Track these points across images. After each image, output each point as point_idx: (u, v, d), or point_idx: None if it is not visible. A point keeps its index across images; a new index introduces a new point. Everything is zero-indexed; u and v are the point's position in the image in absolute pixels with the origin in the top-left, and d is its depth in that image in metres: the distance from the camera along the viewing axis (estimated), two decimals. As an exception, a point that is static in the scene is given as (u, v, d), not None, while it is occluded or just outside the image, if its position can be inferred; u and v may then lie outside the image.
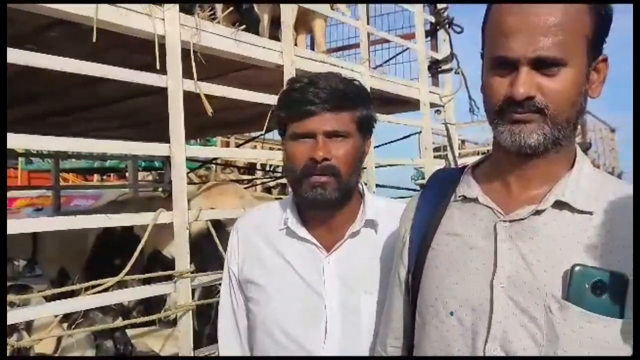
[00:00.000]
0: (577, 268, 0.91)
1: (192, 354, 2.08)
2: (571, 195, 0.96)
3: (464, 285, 1.00)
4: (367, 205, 1.42)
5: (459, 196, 1.08)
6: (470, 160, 1.32)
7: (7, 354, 1.73)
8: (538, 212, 0.97)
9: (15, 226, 1.70)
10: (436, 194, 1.14)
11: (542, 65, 0.92)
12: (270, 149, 6.80)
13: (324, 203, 1.34)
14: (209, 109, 2.20)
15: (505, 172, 1.03)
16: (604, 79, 0.99)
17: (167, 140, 2.10)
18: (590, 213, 0.95)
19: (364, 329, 1.34)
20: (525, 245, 0.96)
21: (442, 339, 1.02)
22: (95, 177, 11.22)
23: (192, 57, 2.17)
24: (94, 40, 1.85)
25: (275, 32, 3.00)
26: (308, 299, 1.36)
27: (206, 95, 2.23)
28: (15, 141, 1.70)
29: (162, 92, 2.10)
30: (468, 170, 1.12)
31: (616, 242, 0.92)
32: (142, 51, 2.19)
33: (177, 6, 2.14)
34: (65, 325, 2.33)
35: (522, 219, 0.98)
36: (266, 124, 2.41)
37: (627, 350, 0.89)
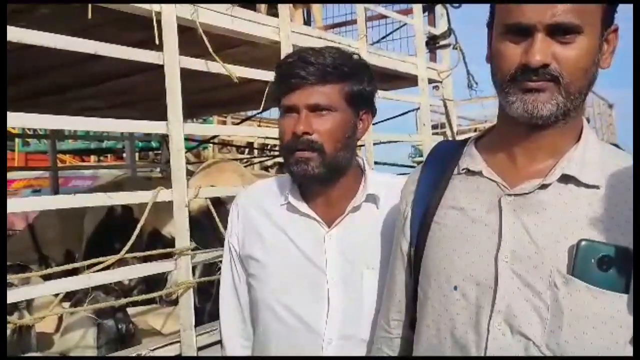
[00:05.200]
0: (583, 243, 0.90)
1: (193, 331, 2.09)
2: (577, 169, 0.95)
3: (467, 259, 0.99)
4: (368, 180, 1.41)
5: (462, 169, 1.07)
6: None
7: (8, 333, 1.73)
8: (544, 186, 0.96)
9: (18, 205, 1.70)
10: (438, 167, 1.12)
11: (558, 32, 0.90)
12: (267, 127, 6.78)
13: (308, 178, 1.33)
14: (234, 76, 2.21)
15: (510, 145, 1.01)
16: (614, 50, 0.98)
17: (164, 119, 2.08)
18: (597, 187, 0.94)
19: (365, 303, 1.34)
20: (530, 219, 0.95)
21: (445, 313, 1.01)
22: (92, 158, 11.18)
23: (201, 32, 2.14)
24: (89, 16, 1.82)
25: (273, 9, 2.96)
26: (309, 274, 1.36)
27: (201, 72, 2.21)
28: (12, 120, 1.69)
29: (157, 69, 2.08)
30: (471, 142, 1.11)
31: (622, 216, 0.91)
32: (134, 28, 2.16)
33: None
34: (65, 304, 2.34)
35: (527, 193, 0.97)
36: (263, 101, 2.39)
37: (632, 326, 0.89)
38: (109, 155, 11.12)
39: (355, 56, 1.40)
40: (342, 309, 1.33)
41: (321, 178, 1.34)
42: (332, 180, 1.37)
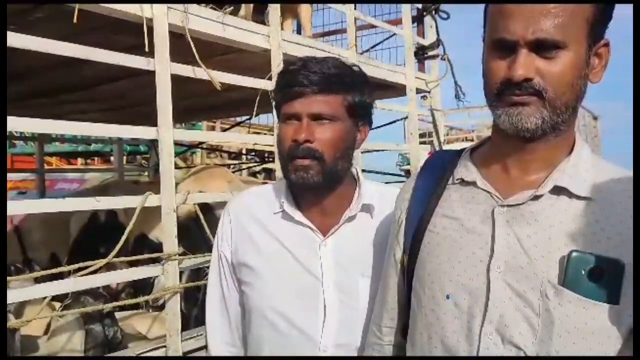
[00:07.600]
0: (574, 254, 0.91)
1: (179, 337, 2.10)
2: (570, 181, 0.96)
3: (460, 269, 1.01)
4: (362, 190, 1.42)
5: (457, 179, 1.08)
6: (455, 146, 1.33)
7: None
8: (536, 197, 0.97)
9: (16, 206, 1.70)
10: (433, 176, 1.14)
11: (542, 47, 0.91)
12: (256, 133, 6.78)
13: (306, 186, 1.34)
14: (217, 84, 2.21)
15: (504, 156, 1.03)
16: (606, 64, 0.99)
17: (154, 124, 2.09)
18: (589, 199, 0.95)
19: (361, 311, 1.35)
20: (522, 230, 0.97)
21: (437, 321, 1.02)
22: (79, 161, 11.08)
23: (190, 40, 2.15)
24: (75, 20, 1.83)
25: (259, 17, 2.97)
26: (305, 282, 1.36)
27: (192, 79, 2.22)
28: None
29: (147, 74, 2.09)
30: (466, 153, 1.12)
31: (614, 228, 0.93)
32: (129, 32, 2.17)
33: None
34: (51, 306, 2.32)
35: (520, 204, 0.98)
36: (255, 107, 2.41)
37: (622, 337, 0.90)
38: (95, 159, 11.04)
39: (355, 68, 1.41)
40: (338, 317, 1.34)
41: (319, 186, 1.35)
42: (329, 189, 1.38)
